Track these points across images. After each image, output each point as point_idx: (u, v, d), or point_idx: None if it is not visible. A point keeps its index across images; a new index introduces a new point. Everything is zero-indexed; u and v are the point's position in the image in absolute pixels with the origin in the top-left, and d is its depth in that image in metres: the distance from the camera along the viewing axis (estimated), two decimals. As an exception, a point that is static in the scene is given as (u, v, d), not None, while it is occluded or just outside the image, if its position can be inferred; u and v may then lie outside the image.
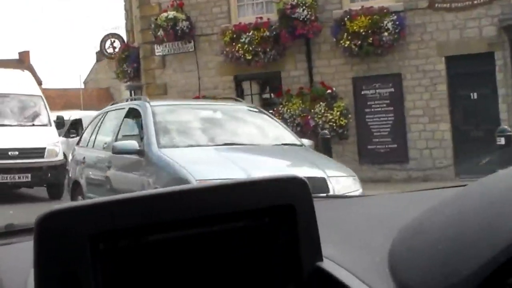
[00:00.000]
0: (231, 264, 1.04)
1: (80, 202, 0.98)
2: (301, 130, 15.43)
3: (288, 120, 15.79)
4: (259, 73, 17.02)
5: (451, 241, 0.97)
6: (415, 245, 1.05)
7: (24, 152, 13.76)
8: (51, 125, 15.28)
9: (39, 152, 14.08)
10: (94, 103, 62.77)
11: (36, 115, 15.41)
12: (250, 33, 16.49)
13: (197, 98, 17.27)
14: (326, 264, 1.08)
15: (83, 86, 74.62)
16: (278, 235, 1.06)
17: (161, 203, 0.99)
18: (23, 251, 1.21)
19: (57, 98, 57.62)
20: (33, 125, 15.01)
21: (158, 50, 18.04)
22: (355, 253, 1.17)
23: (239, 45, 16.67)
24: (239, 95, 17.23)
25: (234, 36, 16.78)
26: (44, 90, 64.19)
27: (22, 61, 70.70)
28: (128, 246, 0.99)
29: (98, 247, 0.96)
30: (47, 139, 14.48)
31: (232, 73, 17.38)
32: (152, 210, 0.97)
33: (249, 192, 1.04)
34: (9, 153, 13.57)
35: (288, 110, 16.20)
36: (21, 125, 14.76)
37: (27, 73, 16.33)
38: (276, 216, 1.05)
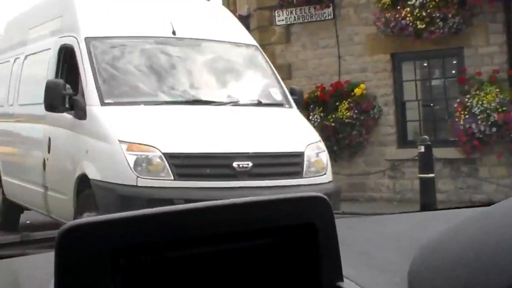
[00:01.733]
0: (252, 282, 1.03)
1: (103, 216, 0.97)
2: (498, 131, 10.96)
3: (479, 117, 10.85)
4: (430, 50, 11.91)
5: (472, 262, 0.96)
6: (435, 266, 1.05)
7: (267, 164, 6.54)
8: (290, 106, 7.50)
9: (294, 162, 6.73)
10: None
11: (262, 84, 7.76)
12: (425, -8, 11.46)
13: (338, 85, 12.32)
14: (347, 285, 1.08)
15: None
16: (298, 254, 1.04)
17: (183, 219, 0.98)
18: (42, 261, 1.30)
19: None
20: (260, 103, 7.36)
21: (281, 17, 13.17)
22: (374, 273, 1.21)
23: (407, 9, 11.59)
24: (397, 81, 12.21)
25: (399, -4, 11.70)
26: None
27: None
28: (149, 262, 0.98)
29: (119, 261, 0.95)
30: (300, 134, 7.08)
31: (388, 51, 12.36)
32: (175, 226, 0.97)
33: (270, 210, 1.02)
34: (235, 164, 6.38)
35: (479, 103, 11.13)
36: (238, 103, 7.27)
37: (224, 9, 9.47)
38: (297, 234, 1.04)
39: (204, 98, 7.05)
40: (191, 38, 7.54)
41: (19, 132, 8.75)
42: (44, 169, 7.53)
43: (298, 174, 6.55)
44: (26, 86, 8.60)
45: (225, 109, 6.99)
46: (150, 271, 0.97)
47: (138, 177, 6.08)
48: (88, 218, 0.95)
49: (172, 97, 6.98)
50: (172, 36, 7.43)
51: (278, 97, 7.46)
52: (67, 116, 6.95)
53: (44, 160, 7.56)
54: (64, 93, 6.73)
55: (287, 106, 7.39)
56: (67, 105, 6.82)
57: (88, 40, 7.10)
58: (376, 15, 12.01)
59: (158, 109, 6.75)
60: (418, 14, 11.48)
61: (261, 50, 8.10)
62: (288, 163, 6.64)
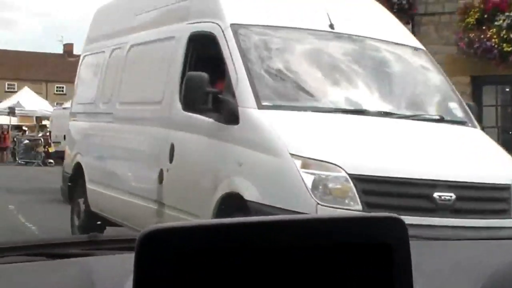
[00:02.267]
0: None
1: (184, 222, 1.00)
2: None
3: None
4: (513, 74, 11.25)
5: None
6: None
7: (472, 197, 5.16)
8: (474, 125, 6.11)
9: (500, 197, 5.30)
10: None
11: (439, 96, 6.42)
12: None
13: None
14: None
15: None
16: (372, 274, 1.02)
17: (259, 230, 0.98)
18: (117, 262, 1.36)
19: None
20: (442, 119, 6.01)
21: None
22: None
23: (493, 30, 10.95)
24: (478, 105, 11.51)
25: (484, 16, 11.04)
26: None
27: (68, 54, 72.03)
28: (223, 269, 0.98)
29: (195, 266, 0.96)
30: (501, 162, 5.63)
31: (469, 73, 11.65)
32: (252, 236, 0.97)
33: (346, 228, 1.02)
34: (436, 195, 4.94)
35: None
36: (420, 118, 5.91)
37: (379, 5, 7.56)
38: (372, 254, 1.02)
39: (382, 108, 5.65)
40: (351, 35, 6.12)
41: (118, 134, 7.38)
42: (161, 182, 6.12)
43: (505, 212, 5.11)
44: (133, 81, 7.28)
45: (406, 124, 5.61)
46: (223, 278, 0.97)
47: (318, 203, 4.70)
48: (167, 223, 0.97)
49: (346, 105, 5.60)
50: (330, 30, 6.09)
51: (459, 114, 6.07)
52: (205, 119, 5.59)
53: (162, 171, 6.12)
54: (208, 90, 5.44)
55: (470, 125, 5.97)
56: (209, 105, 5.50)
57: (235, 27, 5.75)
58: (459, 34, 11.38)
59: (327, 117, 5.40)
60: (505, 36, 10.84)
61: (431, 56, 6.60)
62: (493, 198, 5.19)
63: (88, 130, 8.32)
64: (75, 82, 9.12)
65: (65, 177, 8.78)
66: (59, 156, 27.75)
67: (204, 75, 5.39)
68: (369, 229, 1.02)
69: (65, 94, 61.65)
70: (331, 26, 6.06)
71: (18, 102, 31.69)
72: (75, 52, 71.73)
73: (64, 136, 26.28)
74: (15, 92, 44.34)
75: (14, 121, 33.28)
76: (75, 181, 8.24)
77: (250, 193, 4.95)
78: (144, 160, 6.64)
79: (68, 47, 71.61)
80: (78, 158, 8.29)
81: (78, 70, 9.03)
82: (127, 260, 1.23)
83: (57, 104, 40.49)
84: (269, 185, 4.96)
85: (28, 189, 15.00)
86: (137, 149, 6.87)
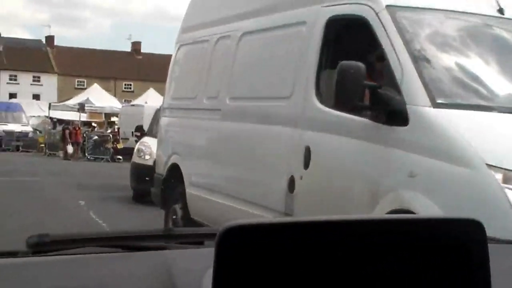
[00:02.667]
0: None
1: (265, 219, 1.27)
2: None
3: None
4: None
5: None
6: None
7: None
8: None
9: None
10: None
11: None
12: None
13: None
14: None
15: None
16: (449, 276, 1.02)
17: (340, 229, 0.99)
18: (194, 256, 1.42)
19: None
20: None
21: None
22: None
23: None
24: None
25: None
26: None
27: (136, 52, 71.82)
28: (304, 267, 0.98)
29: (276, 264, 0.96)
30: None
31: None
32: (333, 235, 0.97)
33: (426, 228, 1.02)
34: None
35: None
36: None
37: None
38: (450, 256, 1.03)
39: None
40: None
41: (229, 134, 6.47)
42: (291, 191, 5.28)
43: None
44: (248, 74, 6.36)
45: None
46: (304, 276, 0.96)
47: None
48: (249, 219, 0.97)
49: None
50: (499, 15, 5.25)
51: None
52: (357, 118, 4.76)
53: (293, 178, 5.27)
54: (365, 83, 4.57)
55: None
56: (367, 102, 4.68)
57: (391, 10, 4.88)
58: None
59: None
60: None
61: None
62: None
63: (187, 128, 7.42)
64: (169, 75, 8.11)
65: (158, 179, 7.85)
66: (128, 153, 28.29)
67: (361, 65, 4.52)
68: (449, 230, 1.02)
69: (132, 92, 62.58)
70: (501, 11, 5.25)
71: (87, 98, 32.34)
72: (142, 50, 73.25)
73: (132, 132, 26.69)
74: (85, 89, 45.28)
75: (84, 117, 33.92)
76: (170, 184, 7.40)
77: (427, 211, 4.11)
78: (267, 165, 5.73)
79: (136, 45, 72.48)
80: (175, 159, 7.40)
81: (172, 62, 8.10)
82: (204, 255, 1.29)
83: (125, 101, 41.23)
84: (454, 202, 4.11)
85: (98, 185, 15.23)
86: (257, 151, 5.95)
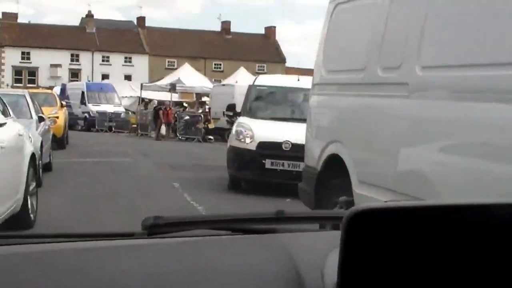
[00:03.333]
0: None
1: (396, 202, 0.98)
2: None
3: None
4: None
5: None
6: None
7: None
8: None
9: None
10: None
11: None
12: None
13: None
14: None
15: None
16: None
17: (469, 213, 0.95)
18: (312, 239, 1.42)
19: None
20: None
21: None
22: None
23: None
24: None
25: None
26: (287, 69, 62.91)
27: (268, 36, 71.99)
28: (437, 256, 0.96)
29: (405, 249, 0.94)
30: None
31: None
32: (462, 220, 0.94)
33: None
34: None
35: None
36: None
37: None
38: None
39: None
40: None
41: (425, 116, 4.66)
42: None
43: None
44: (452, 33, 4.56)
45: None
46: (436, 262, 0.94)
47: None
48: (378, 203, 0.96)
49: None
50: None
51: None
52: None
53: None
54: None
55: None
56: None
57: None
58: None
59: None
60: None
61: None
62: None
63: (353, 109, 5.77)
64: (321, 43, 6.54)
65: (309, 174, 6.34)
66: (219, 133, 28.01)
67: None
68: None
69: (222, 71, 62.60)
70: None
71: (178, 78, 32.03)
72: (232, 29, 73.09)
73: (223, 112, 26.26)
74: (175, 69, 45.29)
75: (175, 97, 33.78)
76: (329, 180, 5.90)
77: None
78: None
79: (226, 25, 72.45)
80: (335, 149, 5.84)
81: (325, 26, 6.48)
82: (323, 238, 1.41)
83: (214, 80, 40.91)
84: None
85: (191, 166, 14.74)
86: (491, 140, 4.07)
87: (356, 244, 0.91)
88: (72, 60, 65.64)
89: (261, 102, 12.50)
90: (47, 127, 12.57)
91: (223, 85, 31.34)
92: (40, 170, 9.91)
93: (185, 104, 34.17)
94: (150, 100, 32.98)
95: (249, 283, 1.19)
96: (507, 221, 0.94)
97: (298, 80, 12.21)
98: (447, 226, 0.93)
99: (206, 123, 27.65)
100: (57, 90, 36.41)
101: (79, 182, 11.19)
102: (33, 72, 63.48)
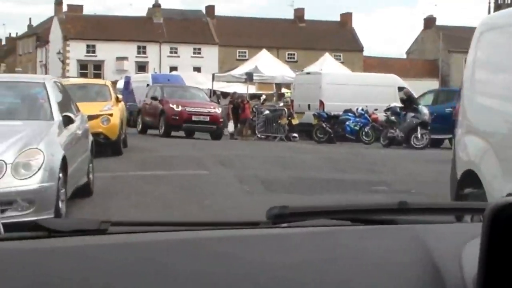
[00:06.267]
0: None
1: None
2: None
3: None
4: None
5: None
6: None
7: None
8: None
9: None
10: (418, 75, 57.68)
11: None
12: None
13: None
14: None
15: (405, 56, 70.36)
16: None
17: None
18: (444, 231, 1.37)
19: (377, 68, 52.48)
20: None
21: None
22: None
23: None
24: None
25: None
26: (365, 58, 59.23)
27: (344, 24, 68.63)
28: None
29: None
30: None
31: None
32: None
33: None
34: None
35: None
36: None
37: None
38: None
39: None
40: None
41: None
42: None
43: None
44: None
45: None
46: None
47: None
48: None
49: None
50: None
51: None
52: None
53: None
54: None
55: None
56: None
57: None
58: None
59: None
60: None
61: None
62: None
63: None
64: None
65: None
66: (303, 130, 23.72)
67: None
68: None
69: (296, 62, 59.02)
70: None
71: (255, 67, 27.81)
72: (306, 17, 69.04)
73: (309, 105, 21.68)
74: (246, 59, 41.44)
75: (251, 89, 29.67)
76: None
77: None
78: None
79: (299, 12, 69.32)
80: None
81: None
82: (456, 230, 1.37)
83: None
84: None
85: (292, 182, 10.35)
86: None
87: (499, 236, 0.91)
88: (138, 52, 63.18)
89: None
90: (80, 132, 8.37)
91: (308, 73, 26.96)
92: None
93: (263, 97, 29.91)
94: (223, 94, 28.94)
95: (385, 272, 1.17)
96: None
97: None
98: None
99: (289, 118, 23.34)
100: (120, 84, 32.80)
101: (127, 214, 7.08)
102: (98, 66, 60.97)
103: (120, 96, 15.05)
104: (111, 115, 13.85)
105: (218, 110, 22.16)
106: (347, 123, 21.98)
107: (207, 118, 21.62)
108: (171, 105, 21.71)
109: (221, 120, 22.04)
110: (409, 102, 20.37)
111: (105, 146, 13.83)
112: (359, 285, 1.13)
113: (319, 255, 1.24)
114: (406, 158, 15.71)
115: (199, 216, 7.18)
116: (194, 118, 21.49)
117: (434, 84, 54.04)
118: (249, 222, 1.47)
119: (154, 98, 22.75)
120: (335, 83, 23.69)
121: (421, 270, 1.15)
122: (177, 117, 21.38)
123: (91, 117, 13.61)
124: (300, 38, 65.10)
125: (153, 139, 20.41)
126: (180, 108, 21.58)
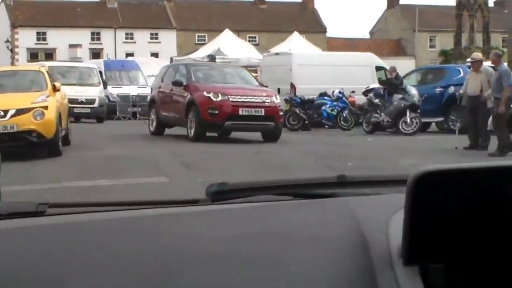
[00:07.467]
0: None
1: (460, 164, 0.97)
2: None
3: None
4: None
5: None
6: None
7: None
8: None
9: None
10: (383, 55, 56.32)
11: None
12: None
13: None
14: None
15: (368, 36, 69.14)
16: None
17: None
18: (373, 203, 1.40)
19: (342, 49, 50.88)
20: None
21: None
22: None
23: None
24: None
25: None
26: (328, 40, 57.32)
27: (305, 5, 66.43)
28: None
29: (471, 211, 0.95)
30: None
31: None
32: None
33: None
34: None
35: None
36: None
37: None
38: None
39: None
40: None
41: None
42: None
43: None
44: None
45: None
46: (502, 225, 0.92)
47: None
48: (441, 165, 0.94)
49: None
50: None
51: None
52: None
53: None
54: None
55: None
56: None
57: None
58: None
59: None
60: None
61: None
62: None
63: None
64: None
65: None
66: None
67: None
68: None
69: (258, 45, 56.72)
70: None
71: (218, 49, 25.35)
72: (267, -1, 66.93)
73: (278, 89, 18.83)
74: (206, 43, 38.90)
75: (214, 73, 27.18)
76: None
77: None
78: None
79: (259, -7, 66.81)
80: None
81: None
82: (384, 201, 1.36)
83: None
84: None
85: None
86: None
87: (420, 205, 0.93)
88: (92, 39, 60.48)
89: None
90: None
91: (277, 54, 24.52)
92: None
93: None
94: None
95: (315, 245, 1.19)
96: None
97: None
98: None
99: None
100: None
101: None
102: (50, 54, 57.72)
103: (58, 84, 12.34)
104: (45, 107, 11.22)
105: (276, 100, 15.12)
106: (323, 107, 19.68)
107: (261, 111, 14.50)
108: (206, 93, 14.48)
109: (280, 114, 15.14)
110: (394, 82, 18.05)
111: (39, 146, 11.36)
112: (291, 259, 1.13)
113: (254, 229, 1.25)
114: (402, 147, 13.39)
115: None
116: (241, 111, 14.34)
117: (403, 63, 52.25)
118: (188, 200, 1.48)
119: (177, 83, 15.39)
120: (307, 64, 21.38)
121: (350, 241, 1.17)
122: (216, 111, 14.24)
123: (20, 111, 11.12)
124: (261, 20, 63.46)
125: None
126: (220, 98, 14.38)
